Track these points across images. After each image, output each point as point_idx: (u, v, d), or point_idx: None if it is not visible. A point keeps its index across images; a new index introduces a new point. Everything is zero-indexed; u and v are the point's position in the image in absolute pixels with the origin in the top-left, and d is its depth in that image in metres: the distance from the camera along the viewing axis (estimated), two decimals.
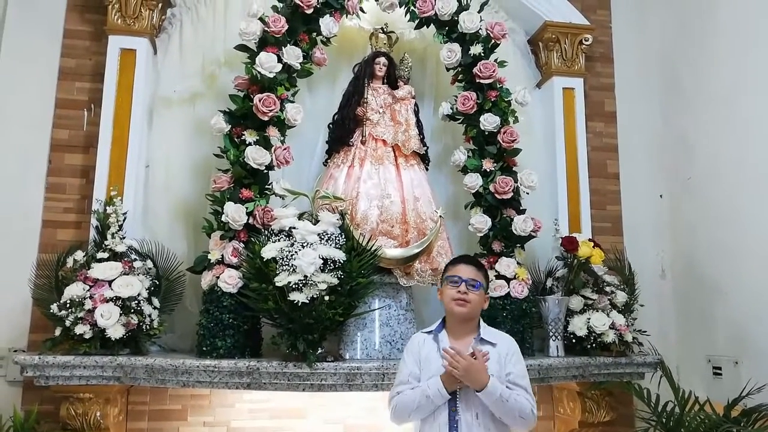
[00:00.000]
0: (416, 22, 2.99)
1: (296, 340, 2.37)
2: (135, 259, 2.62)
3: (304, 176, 3.03)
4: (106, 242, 2.58)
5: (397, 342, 2.68)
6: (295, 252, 2.35)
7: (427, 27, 3.02)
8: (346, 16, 2.93)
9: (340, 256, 2.40)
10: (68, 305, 2.42)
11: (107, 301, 2.43)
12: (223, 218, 2.53)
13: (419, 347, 2.14)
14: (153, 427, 2.82)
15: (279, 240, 2.43)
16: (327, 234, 2.45)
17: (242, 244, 2.55)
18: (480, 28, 2.92)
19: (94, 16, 3.07)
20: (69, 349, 2.43)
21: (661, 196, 3.52)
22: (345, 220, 2.57)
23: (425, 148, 3.02)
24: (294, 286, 2.32)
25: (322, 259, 2.36)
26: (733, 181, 3.00)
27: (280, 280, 2.33)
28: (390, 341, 2.69)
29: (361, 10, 2.97)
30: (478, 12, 2.95)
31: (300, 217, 2.52)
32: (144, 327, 2.50)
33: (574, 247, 2.87)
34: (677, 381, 2.75)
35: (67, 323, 2.40)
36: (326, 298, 2.34)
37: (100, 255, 2.55)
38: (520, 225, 2.79)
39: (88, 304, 2.40)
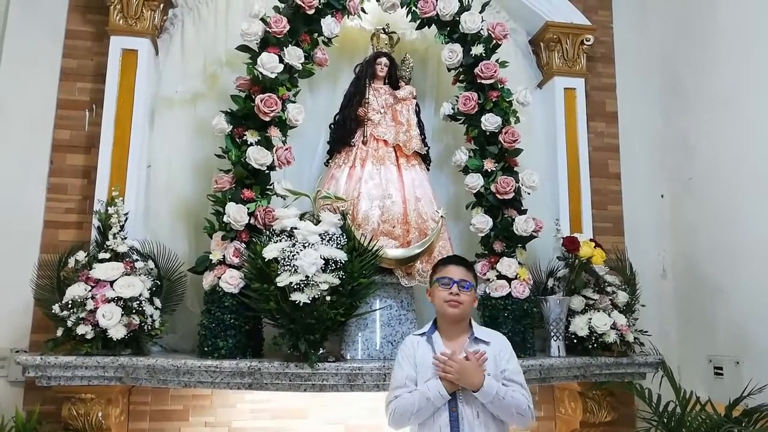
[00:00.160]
0: (417, 22, 3.00)
1: (298, 340, 2.37)
2: (136, 260, 2.63)
3: (306, 176, 3.03)
4: (107, 243, 2.59)
5: (399, 342, 2.66)
6: (297, 252, 2.35)
7: (429, 27, 3.02)
8: (348, 16, 2.93)
9: (341, 256, 2.41)
10: (70, 306, 2.42)
11: (109, 302, 2.43)
12: (225, 218, 2.54)
13: (414, 350, 2.12)
14: (154, 427, 2.82)
15: (280, 240, 2.43)
16: (328, 234, 2.45)
17: (244, 245, 2.56)
18: (481, 29, 2.92)
19: (95, 16, 3.07)
20: (71, 350, 2.43)
21: (662, 196, 3.52)
22: (346, 221, 2.58)
23: (426, 148, 3.02)
24: (295, 287, 2.32)
25: (324, 259, 2.36)
26: (734, 181, 3.00)
27: (282, 280, 2.33)
28: (391, 341, 2.69)
29: (363, 10, 2.97)
30: (480, 12, 2.95)
31: (301, 217, 2.53)
32: (145, 327, 2.50)
33: (576, 247, 2.87)
34: (678, 381, 2.75)
35: (69, 324, 2.40)
36: (328, 298, 2.34)
37: (101, 255, 2.56)
38: (521, 225, 2.79)
39: (90, 305, 2.41)
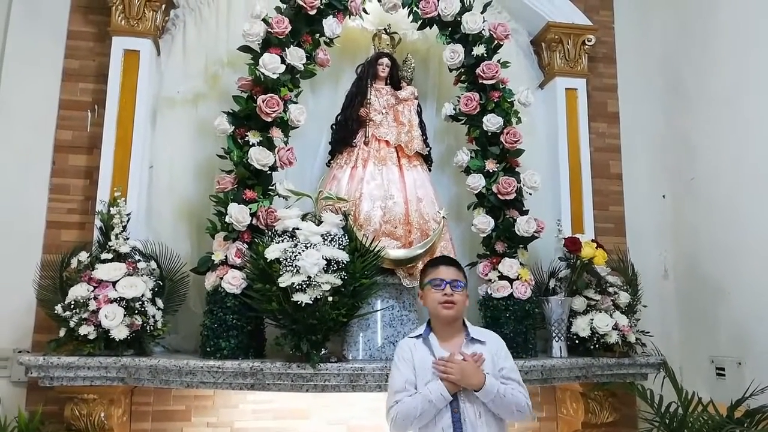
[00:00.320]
0: (419, 22, 3.00)
1: (300, 340, 2.37)
2: (139, 260, 2.63)
3: (307, 177, 3.03)
4: (110, 243, 2.59)
5: None
6: (299, 253, 2.35)
7: (430, 28, 3.03)
8: (349, 17, 2.93)
9: (343, 256, 2.41)
10: (72, 306, 2.43)
11: (111, 302, 2.43)
12: (227, 219, 2.54)
13: (411, 353, 2.11)
14: (157, 427, 2.83)
15: (282, 241, 2.43)
16: (330, 235, 2.45)
17: (246, 245, 2.56)
18: (483, 29, 2.93)
19: (97, 17, 3.08)
20: (73, 350, 2.44)
21: (663, 196, 3.52)
22: (348, 221, 2.58)
23: (428, 148, 3.03)
24: (297, 287, 2.32)
25: (326, 259, 2.36)
26: (735, 182, 3.00)
27: (284, 280, 2.33)
28: (393, 342, 2.69)
29: (364, 11, 2.98)
30: (481, 13, 2.95)
31: (303, 218, 2.53)
32: (148, 328, 2.51)
33: (577, 247, 2.87)
34: (680, 382, 2.75)
35: (72, 324, 2.41)
36: (329, 298, 2.34)
37: (104, 256, 2.56)
38: (522, 226, 2.79)
39: (93, 305, 2.41)
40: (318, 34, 2.81)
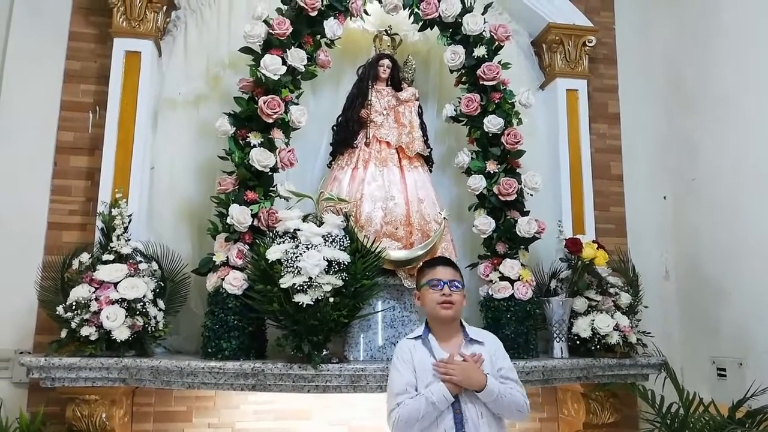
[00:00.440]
0: (420, 24, 3.00)
1: (301, 341, 2.37)
2: (140, 261, 2.63)
3: (308, 178, 3.03)
4: (111, 244, 2.60)
5: None
6: (300, 254, 2.35)
7: (431, 29, 3.03)
8: (350, 18, 2.93)
9: (344, 257, 2.41)
10: (74, 307, 2.43)
11: (113, 303, 2.43)
12: (228, 220, 2.54)
13: (411, 354, 2.10)
14: (158, 428, 2.83)
15: (284, 242, 2.43)
16: (331, 236, 2.46)
17: (247, 246, 2.56)
18: (483, 30, 2.93)
19: (99, 18, 3.08)
20: (75, 351, 2.44)
21: (664, 197, 3.52)
22: (349, 222, 2.58)
23: (429, 149, 3.03)
24: (299, 288, 2.32)
25: (327, 260, 2.36)
26: (737, 182, 3.00)
27: (285, 281, 2.33)
28: (394, 343, 2.67)
29: (365, 12, 2.98)
30: (482, 14, 2.95)
31: (304, 219, 2.53)
32: (149, 329, 2.51)
33: (578, 248, 2.87)
34: (681, 382, 2.75)
35: (73, 325, 2.41)
36: (331, 299, 2.34)
37: (105, 257, 2.56)
38: (523, 227, 2.79)
39: (94, 306, 2.41)
40: (319, 36, 2.82)
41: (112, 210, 2.67)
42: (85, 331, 2.39)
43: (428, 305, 2.15)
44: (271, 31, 2.68)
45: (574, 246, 2.88)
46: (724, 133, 3.09)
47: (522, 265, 2.81)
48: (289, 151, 2.70)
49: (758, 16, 2.91)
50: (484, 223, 2.83)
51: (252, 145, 2.61)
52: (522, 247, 2.85)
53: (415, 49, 3.22)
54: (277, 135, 2.67)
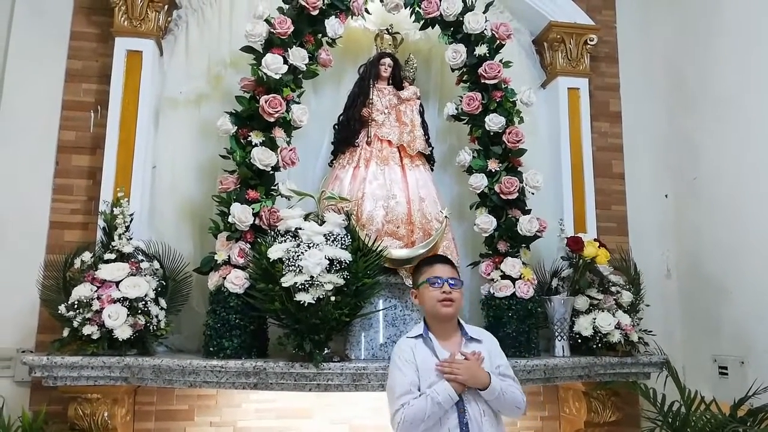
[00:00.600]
0: (421, 23, 3.00)
1: (302, 340, 2.38)
2: (142, 260, 2.63)
3: (310, 177, 3.04)
4: (113, 243, 2.60)
5: None
6: (302, 253, 2.35)
7: (432, 28, 3.03)
8: (352, 17, 2.93)
9: (346, 256, 2.41)
10: (76, 306, 2.43)
11: (114, 302, 2.44)
12: (230, 219, 2.54)
13: (413, 353, 2.09)
14: (160, 427, 2.83)
15: (285, 241, 2.43)
16: (333, 235, 2.46)
17: (249, 245, 2.56)
18: (485, 29, 2.93)
19: (100, 18, 3.08)
20: (77, 350, 2.44)
21: (666, 196, 3.52)
22: (351, 221, 2.58)
23: (430, 148, 3.03)
24: (300, 287, 2.33)
25: (328, 259, 2.36)
26: (738, 181, 3.00)
27: (287, 280, 2.34)
28: (395, 341, 2.66)
29: (366, 11, 2.98)
30: (483, 12, 2.95)
31: (306, 217, 2.53)
32: (151, 327, 2.51)
33: (580, 247, 2.87)
34: (683, 381, 2.75)
35: (75, 324, 2.41)
36: (332, 298, 2.35)
37: (107, 256, 2.56)
38: (525, 225, 2.79)
39: (96, 305, 2.42)
40: (320, 35, 2.81)
41: (114, 209, 2.67)
42: (87, 330, 2.39)
43: (428, 303, 2.15)
44: (272, 30, 2.68)
45: (575, 244, 2.88)
46: (726, 132, 3.09)
47: (523, 263, 2.81)
48: (291, 150, 2.70)
49: (759, 15, 2.90)
50: (486, 221, 2.83)
51: (253, 144, 2.61)
52: (523, 245, 2.85)
53: (416, 47, 3.22)
54: (279, 134, 2.67)
